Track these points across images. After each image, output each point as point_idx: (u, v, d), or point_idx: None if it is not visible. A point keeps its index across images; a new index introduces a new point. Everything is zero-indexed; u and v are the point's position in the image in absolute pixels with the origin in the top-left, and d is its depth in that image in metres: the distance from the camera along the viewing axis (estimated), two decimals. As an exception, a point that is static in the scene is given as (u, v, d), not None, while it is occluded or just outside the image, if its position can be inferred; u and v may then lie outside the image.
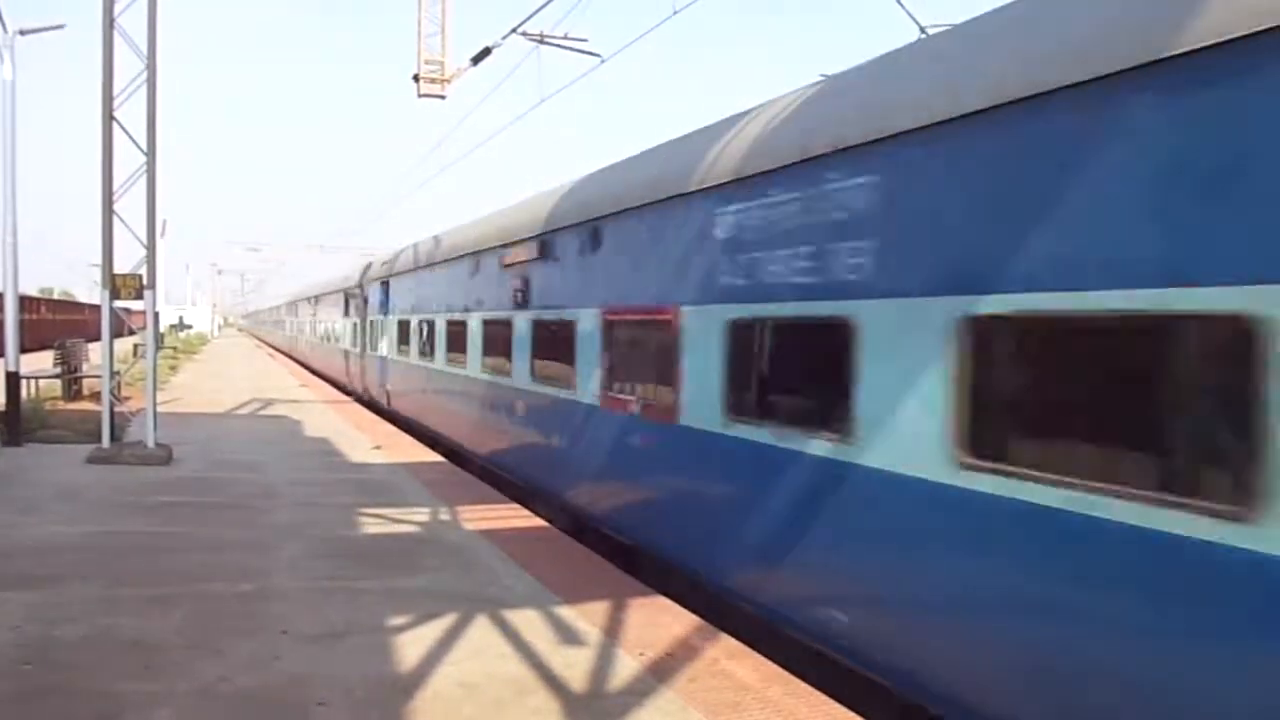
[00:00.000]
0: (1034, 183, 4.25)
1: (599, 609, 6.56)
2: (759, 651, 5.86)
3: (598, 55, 15.32)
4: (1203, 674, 3.53)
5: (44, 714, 4.68)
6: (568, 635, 6.05)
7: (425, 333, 16.15)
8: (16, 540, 8.10)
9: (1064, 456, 4.12)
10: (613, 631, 6.12)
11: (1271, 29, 3.33)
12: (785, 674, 5.49)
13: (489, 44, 15.60)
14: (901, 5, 10.83)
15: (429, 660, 5.51)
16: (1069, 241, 4.06)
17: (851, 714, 4.98)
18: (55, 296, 69.71)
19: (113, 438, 12.94)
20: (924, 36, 5.69)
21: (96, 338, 16.61)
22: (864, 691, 5.32)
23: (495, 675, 5.32)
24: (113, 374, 13.50)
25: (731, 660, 5.68)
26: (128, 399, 17.33)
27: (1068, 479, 3.98)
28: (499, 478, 11.92)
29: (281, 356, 48.80)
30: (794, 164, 5.90)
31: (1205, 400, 3.69)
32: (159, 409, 13.33)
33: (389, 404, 19.92)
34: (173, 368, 33.52)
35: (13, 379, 14.31)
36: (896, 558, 5.04)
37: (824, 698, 5.17)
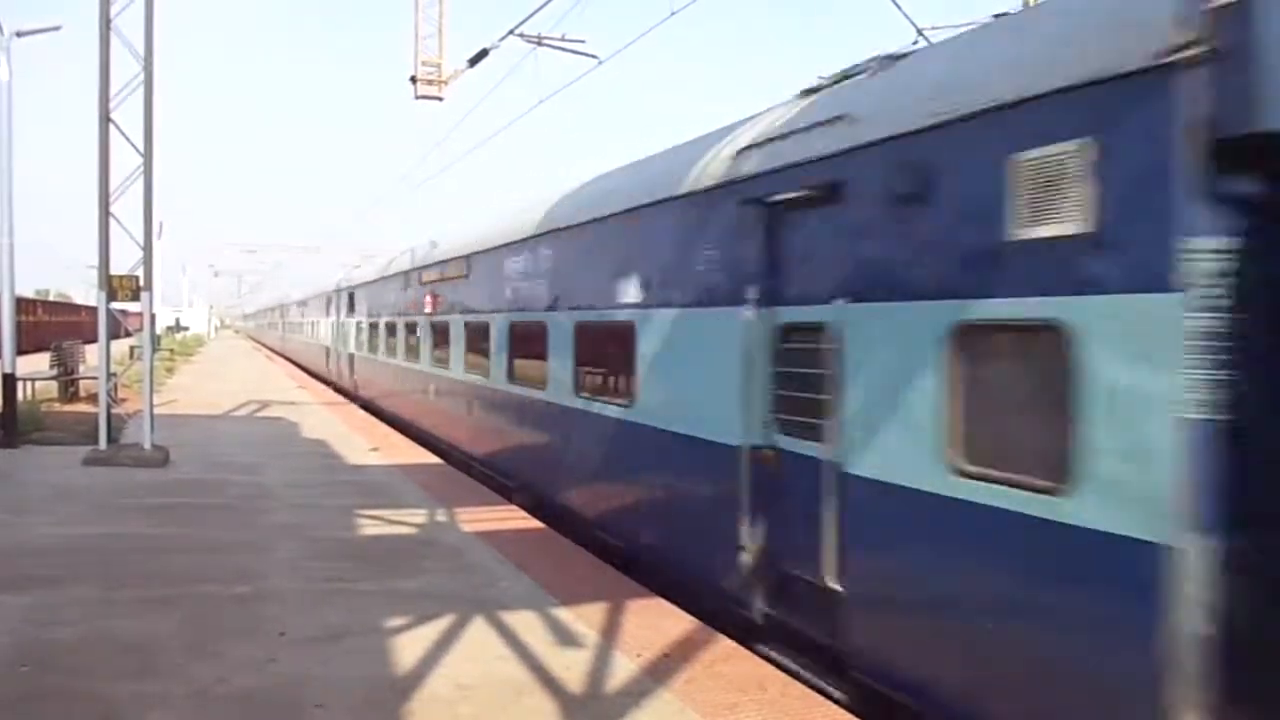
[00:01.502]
0: None
1: (596, 610, 6.57)
2: (755, 653, 5.87)
3: (595, 56, 15.34)
4: None
5: (42, 716, 4.68)
6: (565, 637, 6.06)
7: None
8: (13, 542, 8.09)
9: None
10: (610, 633, 6.13)
11: None
12: (782, 675, 5.50)
13: (486, 45, 15.61)
14: (899, 7, 10.84)
15: (426, 661, 5.52)
16: None
17: (849, 715, 4.99)
18: (51, 298, 69.48)
19: (109, 439, 12.93)
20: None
21: (93, 339, 16.60)
22: (861, 693, 5.32)
23: (493, 676, 5.33)
24: (109, 375, 13.49)
25: (728, 661, 5.68)
26: (124, 400, 17.31)
27: None
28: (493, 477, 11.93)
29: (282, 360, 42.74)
30: None
31: None
32: (156, 411, 13.32)
33: None
34: (169, 369, 33.46)
35: (9, 381, 14.27)
36: None
37: (820, 699, 5.18)
